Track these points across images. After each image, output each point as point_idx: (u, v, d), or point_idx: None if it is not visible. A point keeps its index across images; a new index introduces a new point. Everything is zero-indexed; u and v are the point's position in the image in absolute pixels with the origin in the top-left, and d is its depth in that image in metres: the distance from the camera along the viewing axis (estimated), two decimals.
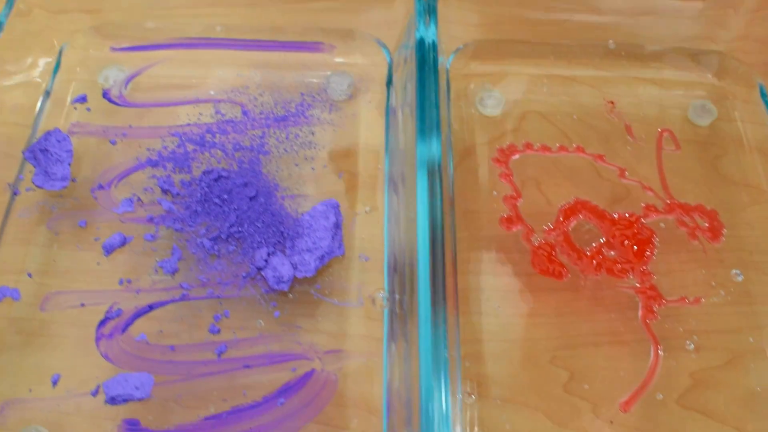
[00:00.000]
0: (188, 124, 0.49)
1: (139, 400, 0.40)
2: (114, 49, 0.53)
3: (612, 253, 0.46)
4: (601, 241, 0.47)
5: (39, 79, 0.51)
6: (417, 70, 0.44)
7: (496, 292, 0.46)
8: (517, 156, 0.50)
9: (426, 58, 0.45)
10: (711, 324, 0.46)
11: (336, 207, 0.45)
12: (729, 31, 0.56)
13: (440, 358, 0.36)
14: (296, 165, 0.48)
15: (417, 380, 0.35)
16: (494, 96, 0.52)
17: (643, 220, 0.48)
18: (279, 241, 0.45)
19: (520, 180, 0.50)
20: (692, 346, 0.45)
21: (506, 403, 0.43)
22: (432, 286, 0.38)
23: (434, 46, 0.46)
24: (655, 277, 0.46)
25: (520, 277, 0.46)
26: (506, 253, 0.47)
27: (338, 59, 0.53)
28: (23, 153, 0.46)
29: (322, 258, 0.44)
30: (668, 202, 0.49)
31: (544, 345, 0.45)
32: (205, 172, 0.47)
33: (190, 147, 0.48)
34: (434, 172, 0.41)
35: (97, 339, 0.42)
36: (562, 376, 0.44)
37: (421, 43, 0.46)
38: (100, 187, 0.47)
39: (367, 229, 0.47)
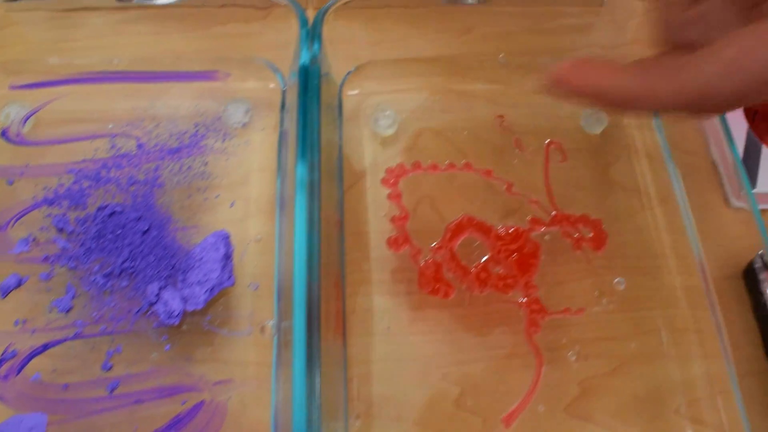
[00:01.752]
0: (84, 160, 0.50)
1: None
2: (13, 87, 0.54)
3: (498, 268, 0.48)
4: (487, 257, 0.48)
5: None
6: (298, 94, 0.45)
7: (387, 313, 0.47)
8: (407, 176, 0.51)
9: (308, 82, 0.46)
10: (595, 333, 0.47)
11: (226, 238, 0.46)
12: (618, 37, 0.57)
13: (314, 383, 0.38)
14: (189, 196, 0.49)
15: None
16: (388, 115, 0.53)
17: (532, 233, 0.49)
18: (171, 275, 0.46)
19: (416, 198, 0.51)
20: (574, 357, 0.46)
21: (398, 423, 0.44)
22: (307, 309, 0.39)
23: (317, 70, 0.47)
24: (541, 290, 0.48)
25: (409, 297, 0.47)
26: (396, 273, 0.48)
27: (234, 86, 0.54)
28: None
29: (212, 290, 0.45)
30: (553, 213, 0.50)
31: (435, 362, 0.46)
32: (99, 208, 0.48)
33: (85, 183, 0.49)
34: (313, 195, 0.42)
35: None
36: (453, 392, 0.45)
37: (303, 68, 0.47)
38: None
39: (259, 257, 0.48)
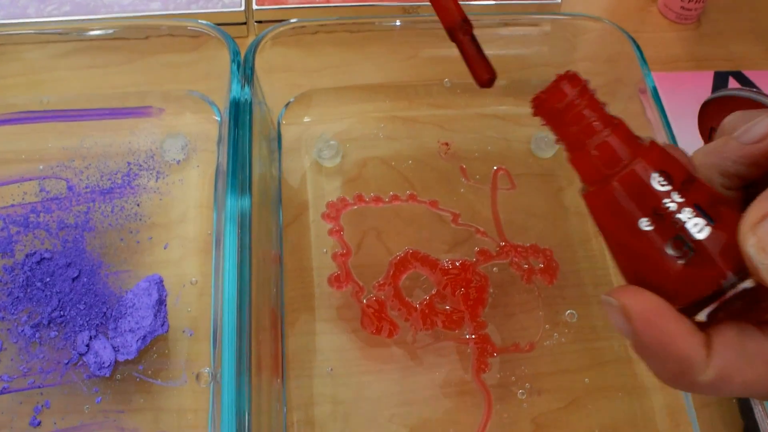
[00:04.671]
0: (12, 205, 0.48)
1: None
2: None
3: (444, 304, 0.46)
4: (433, 292, 0.46)
5: None
6: (229, 127, 0.44)
7: (330, 353, 0.45)
8: (350, 209, 0.49)
9: (239, 115, 0.44)
10: (547, 367, 0.45)
11: (159, 282, 0.44)
12: (568, 55, 0.56)
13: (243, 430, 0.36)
14: (121, 239, 0.47)
15: None
16: (331, 146, 0.52)
17: (479, 266, 0.47)
18: (102, 323, 0.44)
19: (361, 231, 0.49)
20: (524, 393, 0.44)
21: None
22: (237, 352, 0.37)
23: (248, 102, 0.45)
24: (489, 326, 0.46)
25: (353, 336, 0.46)
26: (339, 311, 0.46)
27: (169, 121, 0.52)
28: None
29: (144, 338, 0.43)
30: (502, 244, 0.48)
31: (382, 403, 0.44)
32: (27, 255, 0.46)
33: (13, 229, 0.47)
34: (245, 231, 0.40)
35: None
36: None
37: (233, 101, 0.45)
38: None
39: (195, 300, 0.46)
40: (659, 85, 0.49)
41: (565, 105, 0.26)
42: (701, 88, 0.58)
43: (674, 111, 0.54)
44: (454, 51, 0.35)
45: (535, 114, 0.27)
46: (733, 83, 0.58)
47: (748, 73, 0.59)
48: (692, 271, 0.24)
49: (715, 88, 0.58)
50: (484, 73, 0.33)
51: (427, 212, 0.50)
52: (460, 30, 0.33)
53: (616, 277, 0.48)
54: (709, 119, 0.55)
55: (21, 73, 0.54)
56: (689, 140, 0.53)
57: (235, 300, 0.38)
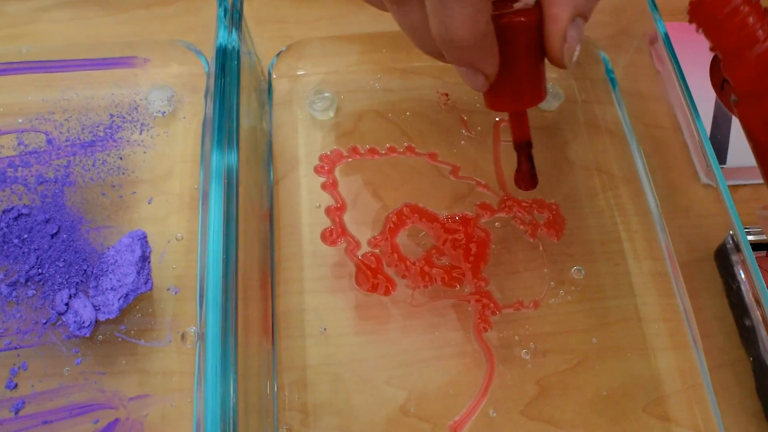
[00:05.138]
0: None
1: None
2: None
3: (444, 260, 0.43)
4: (432, 247, 0.44)
5: None
6: (216, 77, 0.41)
7: (323, 313, 0.43)
8: (344, 162, 0.47)
9: (226, 63, 0.41)
10: (552, 327, 0.43)
11: (143, 238, 0.42)
12: None
13: (228, 394, 0.33)
14: (103, 194, 0.45)
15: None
16: (325, 98, 0.49)
17: (481, 220, 0.45)
18: (82, 281, 0.42)
19: (356, 186, 0.47)
20: (529, 354, 0.42)
21: None
22: (222, 311, 0.34)
23: (236, 52, 0.42)
24: (491, 283, 0.43)
25: (347, 294, 0.43)
26: (333, 269, 0.44)
27: (154, 72, 0.49)
28: None
29: (126, 296, 0.41)
30: (504, 198, 0.45)
31: (379, 364, 0.42)
32: (4, 211, 0.44)
33: None
34: (231, 186, 0.38)
35: None
36: (399, 396, 0.41)
37: (220, 48, 0.42)
38: None
39: (181, 257, 0.43)
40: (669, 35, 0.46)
41: (729, 11, 0.24)
42: None
43: (684, 62, 0.51)
44: None
45: (691, 21, 0.25)
46: None
47: None
48: None
49: None
50: (528, 185, 0.39)
51: (426, 165, 0.47)
52: (525, 147, 0.39)
53: (624, 233, 0.46)
54: (722, 70, 0.52)
55: (2, 27, 0.51)
56: (700, 93, 0.50)
57: (221, 257, 0.35)
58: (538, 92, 0.35)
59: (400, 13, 0.33)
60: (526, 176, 0.39)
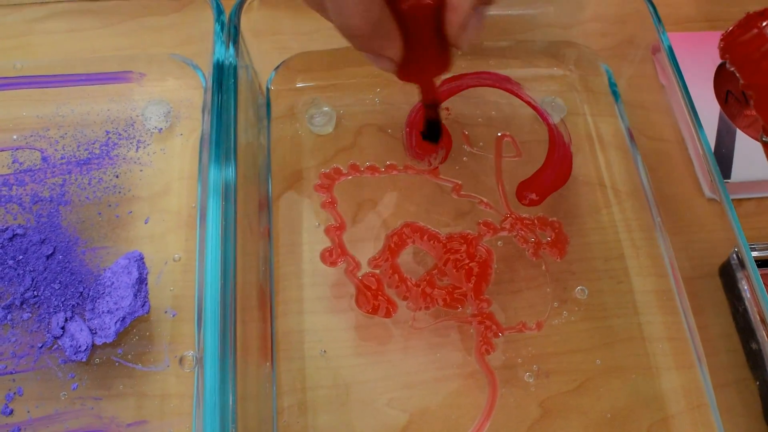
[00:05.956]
0: None
1: None
2: None
3: (445, 280, 0.43)
4: (433, 268, 0.43)
5: None
6: (213, 92, 0.40)
7: (322, 333, 0.42)
8: (344, 179, 0.46)
9: (223, 79, 0.41)
10: (555, 347, 0.42)
11: (139, 259, 0.41)
12: (578, 13, 0.52)
13: (226, 419, 0.33)
14: (99, 213, 0.44)
15: None
16: (324, 112, 0.48)
17: (483, 239, 0.44)
18: (78, 304, 0.41)
19: (356, 203, 0.46)
20: (532, 376, 0.41)
21: None
22: (220, 333, 0.34)
23: (233, 67, 0.41)
24: (494, 304, 0.43)
25: (348, 315, 0.43)
26: (333, 289, 0.43)
27: (150, 87, 0.48)
28: None
29: (123, 320, 0.40)
30: (507, 216, 0.45)
31: (379, 386, 0.41)
32: None
33: None
34: (229, 203, 0.37)
35: None
36: (401, 419, 0.41)
37: (217, 64, 0.41)
38: None
39: (177, 279, 0.43)
40: (672, 46, 0.45)
41: (766, 50, 0.23)
42: (716, 50, 0.54)
43: (688, 73, 0.50)
44: None
45: (723, 56, 0.25)
46: None
47: None
48: None
49: None
50: (434, 137, 0.45)
51: (427, 182, 0.46)
52: (433, 106, 0.43)
53: (628, 249, 0.45)
54: (726, 81, 0.51)
55: None
56: (703, 104, 0.49)
57: (218, 278, 0.35)
58: (444, 63, 0.37)
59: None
60: (435, 128, 0.44)
